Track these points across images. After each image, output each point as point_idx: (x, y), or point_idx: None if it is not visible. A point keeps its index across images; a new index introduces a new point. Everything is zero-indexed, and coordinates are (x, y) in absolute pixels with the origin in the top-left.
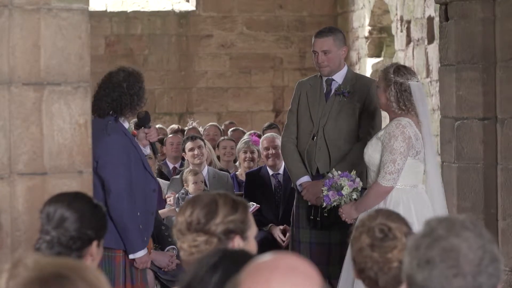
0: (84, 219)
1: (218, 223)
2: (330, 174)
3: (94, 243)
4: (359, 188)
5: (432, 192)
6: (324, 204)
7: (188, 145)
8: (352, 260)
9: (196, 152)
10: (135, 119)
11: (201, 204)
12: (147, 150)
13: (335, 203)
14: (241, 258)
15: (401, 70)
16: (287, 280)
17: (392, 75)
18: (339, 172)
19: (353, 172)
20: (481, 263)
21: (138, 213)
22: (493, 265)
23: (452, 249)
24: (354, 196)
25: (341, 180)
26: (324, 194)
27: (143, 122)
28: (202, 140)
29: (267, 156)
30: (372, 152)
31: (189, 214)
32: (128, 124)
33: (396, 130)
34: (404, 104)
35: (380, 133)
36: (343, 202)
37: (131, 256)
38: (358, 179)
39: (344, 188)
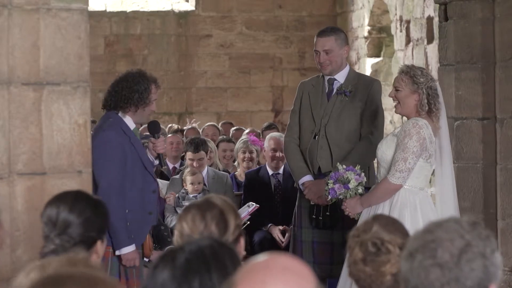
0: (88, 223)
1: (231, 233)
2: (337, 167)
3: (99, 242)
4: (363, 183)
5: (444, 196)
6: (329, 197)
7: (189, 154)
8: (347, 268)
9: (195, 164)
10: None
11: (211, 216)
12: (156, 161)
13: (340, 196)
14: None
15: (424, 72)
16: (282, 280)
17: (422, 79)
18: (344, 166)
19: (358, 167)
20: (461, 257)
21: (126, 211)
22: (478, 261)
23: (433, 240)
24: (360, 191)
25: (347, 174)
26: (329, 187)
27: (151, 131)
28: (206, 151)
29: (272, 158)
30: (386, 149)
31: (203, 228)
32: (133, 124)
33: (413, 129)
34: (435, 106)
35: (397, 130)
36: (348, 196)
37: (117, 253)
38: (363, 174)
39: (351, 182)
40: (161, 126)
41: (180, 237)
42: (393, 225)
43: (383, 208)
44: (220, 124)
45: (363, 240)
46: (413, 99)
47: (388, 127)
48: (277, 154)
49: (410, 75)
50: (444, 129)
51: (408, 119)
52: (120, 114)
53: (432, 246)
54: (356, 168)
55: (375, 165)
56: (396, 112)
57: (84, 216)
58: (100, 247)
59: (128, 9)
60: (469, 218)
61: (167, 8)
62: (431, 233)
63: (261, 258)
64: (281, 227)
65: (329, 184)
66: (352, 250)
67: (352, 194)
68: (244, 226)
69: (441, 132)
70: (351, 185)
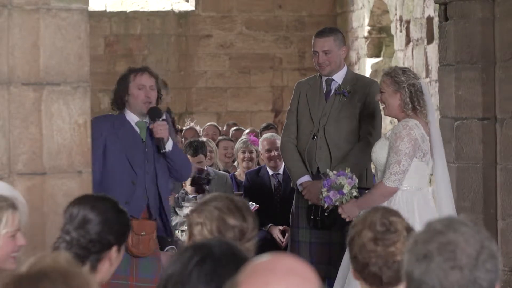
0: (106, 224)
1: (252, 230)
2: (328, 174)
3: (114, 248)
4: (356, 185)
5: (440, 193)
6: (326, 205)
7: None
8: (352, 259)
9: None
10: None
11: (246, 211)
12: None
13: (337, 203)
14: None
15: (407, 71)
16: (285, 282)
17: (403, 78)
18: (335, 172)
19: (348, 170)
20: (479, 258)
21: None
22: (491, 261)
23: (450, 242)
24: (354, 194)
25: (339, 179)
26: (324, 195)
27: (150, 117)
28: (204, 154)
29: (269, 158)
30: (379, 151)
31: (241, 220)
32: (136, 117)
33: (403, 131)
34: (419, 103)
35: (388, 133)
36: (344, 201)
37: None
38: (354, 176)
39: (344, 187)
40: None
41: (206, 225)
42: (392, 211)
43: None
44: (226, 125)
45: (372, 220)
46: (397, 99)
47: (388, 127)
48: (272, 153)
49: (391, 75)
50: (433, 123)
51: (398, 121)
52: (124, 110)
53: (450, 248)
54: (346, 171)
55: (373, 165)
56: (384, 114)
57: (104, 216)
58: (115, 255)
59: (128, 9)
60: (468, 217)
61: (167, 8)
62: (443, 235)
63: (264, 258)
64: (281, 227)
65: (323, 193)
66: (360, 234)
67: (347, 199)
68: None
69: (430, 126)
70: (345, 190)
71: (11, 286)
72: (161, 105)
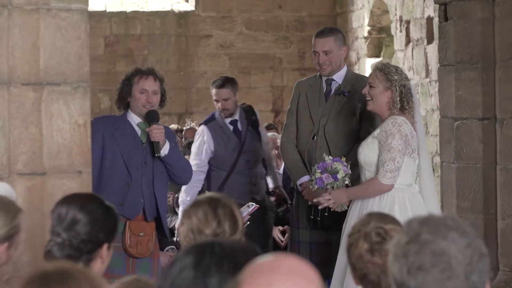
0: (96, 223)
1: (240, 231)
2: (324, 158)
3: (105, 246)
4: (349, 175)
5: (426, 191)
6: (316, 187)
7: (187, 158)
8: (351, 267)
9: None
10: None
11: (223, 213)
12: (163, 153)
13: (328, 186)
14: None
15: (399, 70)
16: (288, 282)
17: (396, 76)
18: (331, 157)
19: (344, 159)
20: (472, 262)
21: None
22: (482, 261)
23: (442, 252)
24: (346, 182)
25: (335, 164)
26: (316, 176)
27: (147, 120)
28: None
29: None
30: (368, 152)
31: (216, 225)
32: (138, 119)
33: (393, 128)
34: (408, 104)
35: (376, 132)
36: (335, 186)
37: None
38: (349, 165)
39: (339, 172)
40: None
41: (191, 232)
42: (387, 217)
43: (372, 204)
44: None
45: (366, 231)
46: (386, 96)
47: None
48: (273, 152)
49: (384, 72)
50: (419, 124)
51: (380, 115)
52: (127, 111)
53: (444, 259)
54: (342, 159)
55: None
56: (368, 108)
57: (93, 215)
58: (106, 252)
59: (128, 9)
60: (448, 216)
61: (167, 8)
62: (434, 244)
63: (267, 259)
64: (281, 227)
65: (316, 174)
66: (356, 244)
67: (339, 185)
68: (244, 226)
69: (417, 127)
70: (340, 175)
71: (35, 284)
72: (164, 107)
